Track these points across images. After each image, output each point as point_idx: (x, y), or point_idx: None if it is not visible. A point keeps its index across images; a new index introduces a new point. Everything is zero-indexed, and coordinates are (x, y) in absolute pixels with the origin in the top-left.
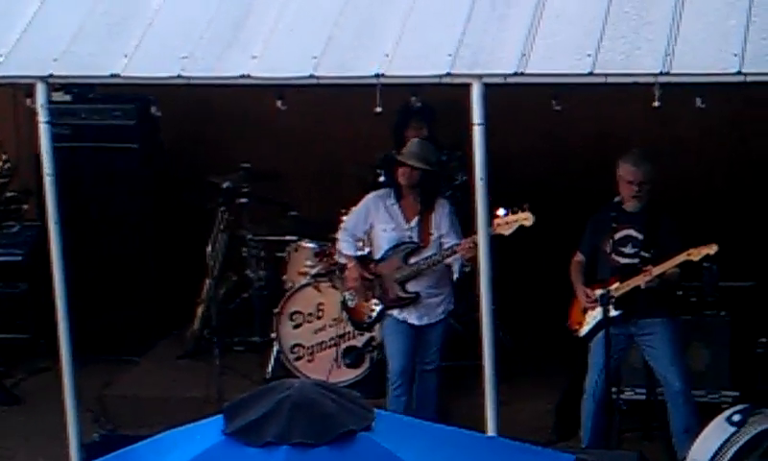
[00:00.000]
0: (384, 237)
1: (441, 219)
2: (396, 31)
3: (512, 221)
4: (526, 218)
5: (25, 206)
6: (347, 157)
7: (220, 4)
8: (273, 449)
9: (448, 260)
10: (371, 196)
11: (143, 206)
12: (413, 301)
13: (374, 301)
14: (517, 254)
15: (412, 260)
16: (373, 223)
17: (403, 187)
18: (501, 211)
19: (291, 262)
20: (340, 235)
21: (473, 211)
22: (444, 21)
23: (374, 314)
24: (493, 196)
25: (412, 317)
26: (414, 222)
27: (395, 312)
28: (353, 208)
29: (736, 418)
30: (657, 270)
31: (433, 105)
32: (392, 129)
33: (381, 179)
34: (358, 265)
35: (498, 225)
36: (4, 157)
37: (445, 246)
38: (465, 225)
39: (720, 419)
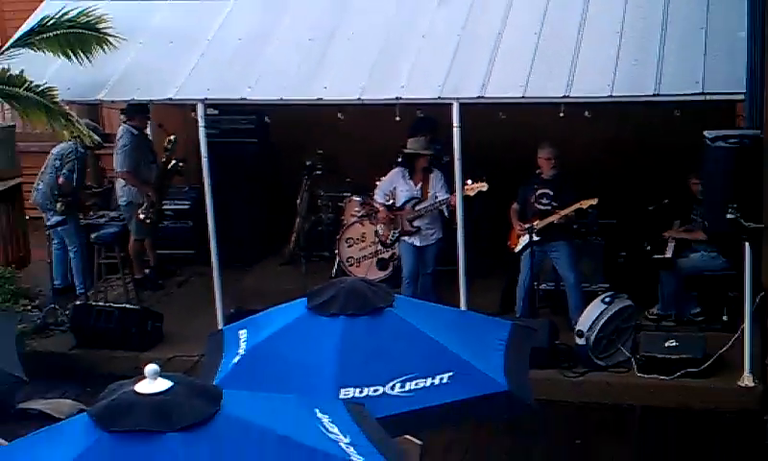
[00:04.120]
0: (402, 195)
1: (435, 183)
2: (407, 71)
3: (474, 187)
4: (483, 185)
5: (181, 164)
6: (380, 146)
7: (306, 52)
8: (335, 318)
9: (440, 208)
10: (395, 170)
11: (260, 177)
12: (416, 231)
13: (394, 231)
14: (484, 207)
15: (417, 207)
16: (396, 186)
17: (417, 166)
18: (468, 181)
19: (346, 209)
20: (376, 192)
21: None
22: (437, 62)
23: (393, 238)
24: (467, 171)
25: (416, 241)
26: (419, 186)
27: (406, 238)
28: (384, 178)
29: (607, 299)
30: (562, 212)
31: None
32: (407, 131)
33: (399, 160)
34: (385, 210)
35: (467, 189)
36: (171, 138)
37: (438, 199)
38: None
39: (597, 300)
